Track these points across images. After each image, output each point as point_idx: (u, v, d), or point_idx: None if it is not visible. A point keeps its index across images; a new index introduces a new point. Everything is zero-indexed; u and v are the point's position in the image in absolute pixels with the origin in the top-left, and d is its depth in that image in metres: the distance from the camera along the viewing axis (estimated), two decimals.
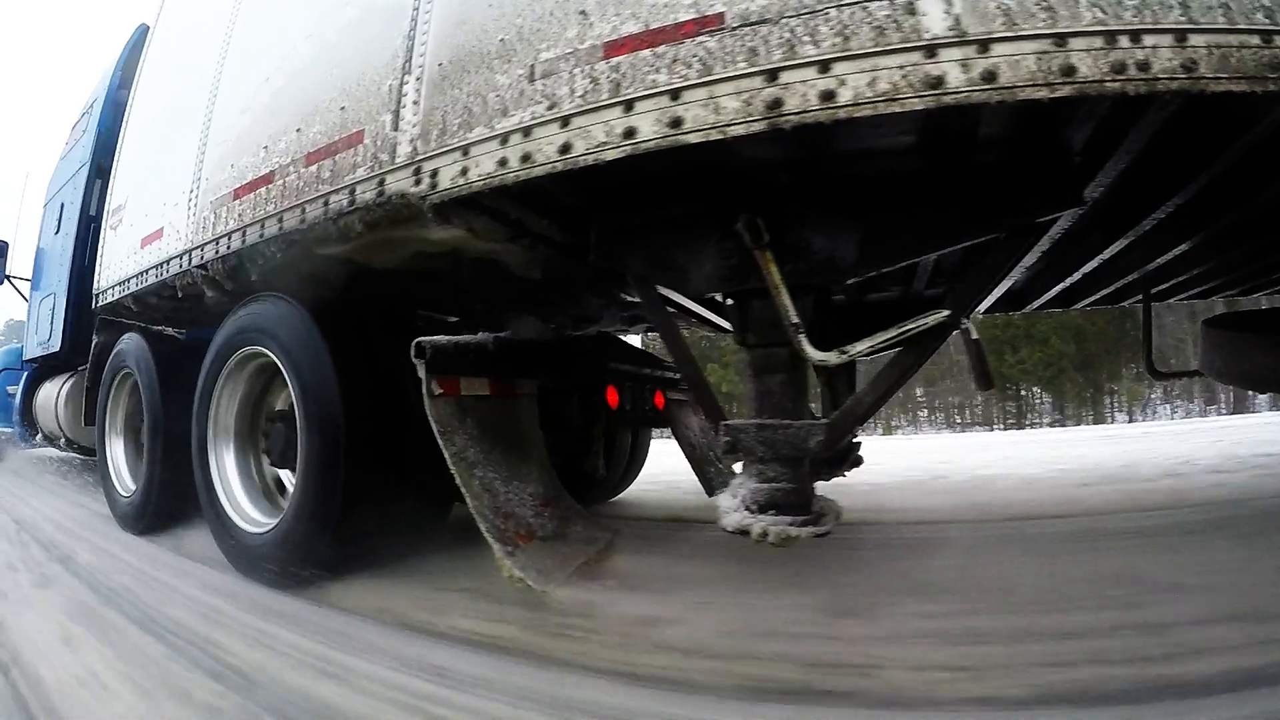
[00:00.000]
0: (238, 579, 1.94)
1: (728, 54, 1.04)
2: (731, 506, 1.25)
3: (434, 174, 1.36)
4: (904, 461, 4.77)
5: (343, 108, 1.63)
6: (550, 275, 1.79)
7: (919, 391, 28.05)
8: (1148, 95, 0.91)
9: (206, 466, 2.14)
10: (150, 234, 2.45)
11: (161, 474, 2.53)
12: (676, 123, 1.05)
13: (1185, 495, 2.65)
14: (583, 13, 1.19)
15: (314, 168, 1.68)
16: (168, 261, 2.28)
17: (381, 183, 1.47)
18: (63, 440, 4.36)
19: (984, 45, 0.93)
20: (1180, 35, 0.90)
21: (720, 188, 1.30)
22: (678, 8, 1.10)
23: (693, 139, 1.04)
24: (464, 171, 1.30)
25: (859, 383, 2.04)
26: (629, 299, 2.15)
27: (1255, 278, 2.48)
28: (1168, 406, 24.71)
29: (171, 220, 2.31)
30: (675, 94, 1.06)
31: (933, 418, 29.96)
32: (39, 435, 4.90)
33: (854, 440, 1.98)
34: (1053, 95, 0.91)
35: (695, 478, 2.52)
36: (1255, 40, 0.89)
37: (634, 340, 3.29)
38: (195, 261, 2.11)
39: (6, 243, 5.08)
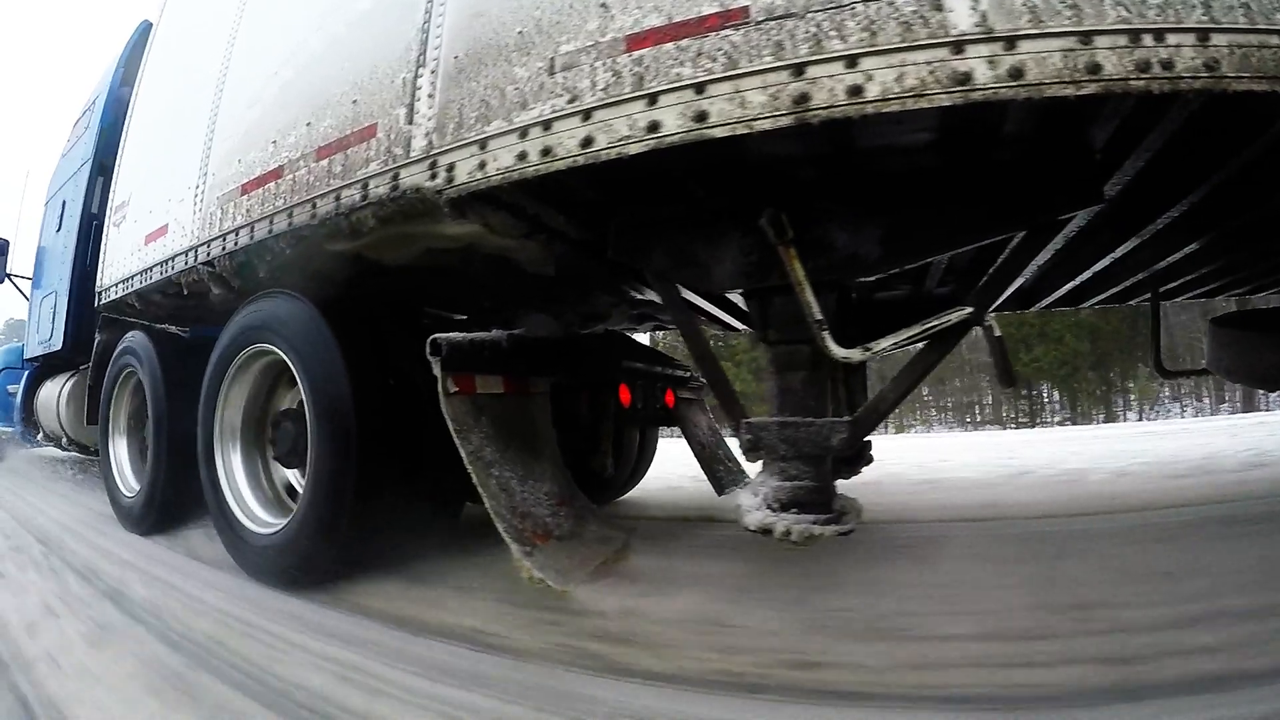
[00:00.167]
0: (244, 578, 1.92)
1: (753, 48, 1.03)
2: (753, 505, 1.24)
3: (450, 168, 1.35)
4: (974, 457, 4.74)
5: (355, 101, 1.62)
6: (563, 272, 1.77)
7: (925, 390, 28.06)
8: (1170, 94, 0.91)
9: (213, 466, 2.12)
10: (154, 230, 2.43)
11: (166, 473, 2.51)
12: (701, 117, 1.05)
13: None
14: (604, 6, 1.18)
15: (325, 162, 1.66)
16: (173, 258, 2.26)
17: (396, 177, 1.45)
18: (64, 440, 4.33)
19: (1010, 42, 0.93)
20: (1203, 34, 0.90)
21: (742, 183, 1.29)
22: (701, 1, 1.09)
23: (719, 133, 1.03)
24: (481, 165, 1.29)
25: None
26: (639, 296, 2.14)
27: (1263, 277, 2.49)
28: (1177, 405, 24.68)
29: (176, 216, 2.29)
30: (700, 88, 1.06)
31: (942, 416, 30.01)
32: (40, 434, 4.87)
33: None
34: (1079, 93, 0.91)
35: (694, 478, 2.51)
36: (1276, 40, 0.90)
37: (642, 338, 3.27)
38: (201, 258, 2.09)
39: (7, 241, 5.03)
